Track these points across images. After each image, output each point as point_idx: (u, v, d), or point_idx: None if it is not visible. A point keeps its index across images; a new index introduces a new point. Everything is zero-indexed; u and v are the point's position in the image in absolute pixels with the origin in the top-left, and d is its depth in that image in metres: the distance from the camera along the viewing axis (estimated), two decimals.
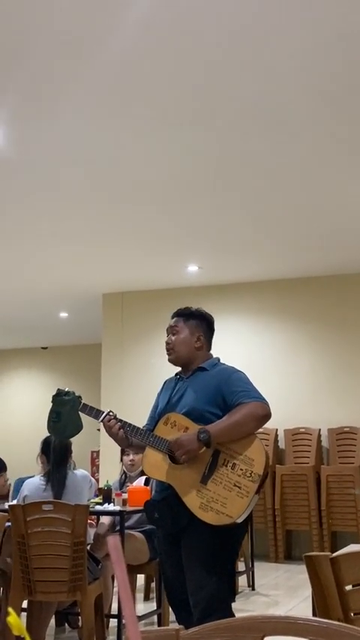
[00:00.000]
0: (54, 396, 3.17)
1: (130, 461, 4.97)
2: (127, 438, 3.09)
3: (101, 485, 5.24)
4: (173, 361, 3.19)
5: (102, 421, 3.09)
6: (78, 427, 3.15)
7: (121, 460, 5.09)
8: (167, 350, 3.19)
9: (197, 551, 2.90)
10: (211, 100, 4.17)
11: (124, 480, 5.05)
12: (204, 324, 3.23)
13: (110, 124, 4.44)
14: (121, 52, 3.63)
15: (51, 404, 3.17)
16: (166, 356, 3.22)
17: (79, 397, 3.14)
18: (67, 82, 3.95)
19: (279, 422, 7.33)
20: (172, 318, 3.25)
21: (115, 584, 4.54)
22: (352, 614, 2.00)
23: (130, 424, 3.06)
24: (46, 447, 4.30)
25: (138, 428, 3.06)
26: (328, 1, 3.26)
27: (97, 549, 4.47)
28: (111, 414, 3.09)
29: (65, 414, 3.11)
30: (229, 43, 3.60)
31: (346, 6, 3.31)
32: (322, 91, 4.08)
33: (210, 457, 2.90)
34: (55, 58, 3.69)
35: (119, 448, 4.89)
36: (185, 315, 3.23)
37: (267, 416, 2.94)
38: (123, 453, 5.02)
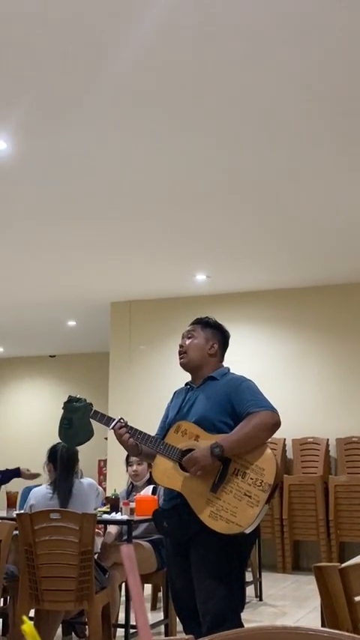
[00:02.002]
0: (65, 403, 3.17)
1: (134, 471, 4.97)
2: (137, 445, 3.09)
3: (108, 494, 5.24)
4: (184, 365, 3.19)
5: (113, 428, 3.09)
6: (89, 433, 3.16)
7: (127, 470, 5.09)
8: (180, 353, 3.20)
9: (206, 561, 2.89)
10: (221, 108, 4.18)
11: (131, 490, 5.04)
12: (220, 335, 3.25)
13: (120, 135, 4.46)
14: (132, 63, 3.65)
15: (62, 410, 3.17)
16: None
17: (91, 404, 3.15)
18: (78, 94, 3.96)
19: (287, 432, 7.31)
20: (190, 325, 3.29)
21: (122, 593, 4.52)
22: None
23: (140, 432, 3.07)
24: (52, 455, 4.29)
25: (149, 435, 3.06)
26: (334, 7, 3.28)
27: (105, 558, 4.46)
28: (122, 421, 3.10)
29: (77, 420, 3.11)
30: (240, 49, 3.61)
31: (349, 14, 3.32)
32: (337, 99, 4.08)
33: (220, 466, 2.90)
34: (67, 69, 3.71)
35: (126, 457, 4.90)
36: (203, 323, 3.27)
37: (277, 424, 2.94)
38: (127, 463, 5.02)
